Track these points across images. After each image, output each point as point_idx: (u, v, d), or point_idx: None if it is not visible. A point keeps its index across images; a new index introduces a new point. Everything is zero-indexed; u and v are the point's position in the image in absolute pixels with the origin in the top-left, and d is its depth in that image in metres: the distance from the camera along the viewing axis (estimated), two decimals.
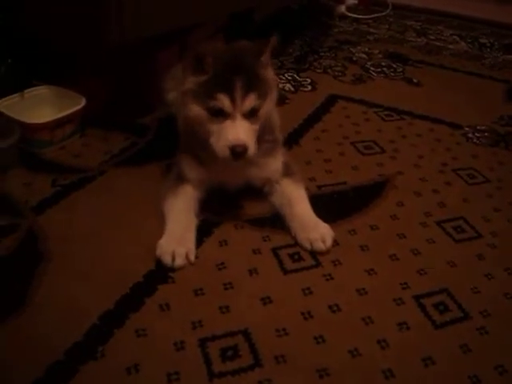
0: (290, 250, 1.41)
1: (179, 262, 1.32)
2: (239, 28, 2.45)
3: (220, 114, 1.32)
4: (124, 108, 1.94)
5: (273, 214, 1.53)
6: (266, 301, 1.26)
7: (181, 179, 1.50)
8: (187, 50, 1.36)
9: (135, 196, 1.56)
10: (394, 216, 1.58)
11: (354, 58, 2.72)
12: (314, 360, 1.13)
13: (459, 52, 2.97)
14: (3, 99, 1.74)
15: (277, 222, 1.50)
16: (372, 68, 2.61)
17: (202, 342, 1.14)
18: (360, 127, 2.06)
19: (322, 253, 1.40)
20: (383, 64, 2.67)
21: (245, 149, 1.31)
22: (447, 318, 1.26)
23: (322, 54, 2.75)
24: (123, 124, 1.92)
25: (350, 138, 1.97)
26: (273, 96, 1.42)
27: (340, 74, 2.52)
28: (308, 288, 1.30)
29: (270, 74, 1.42)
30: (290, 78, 2.42)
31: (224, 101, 1.30)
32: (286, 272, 1.35)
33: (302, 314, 1.23)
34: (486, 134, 2.08)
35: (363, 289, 1.32)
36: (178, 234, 1.37)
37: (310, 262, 1.38)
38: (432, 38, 3.18)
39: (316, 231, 1.42)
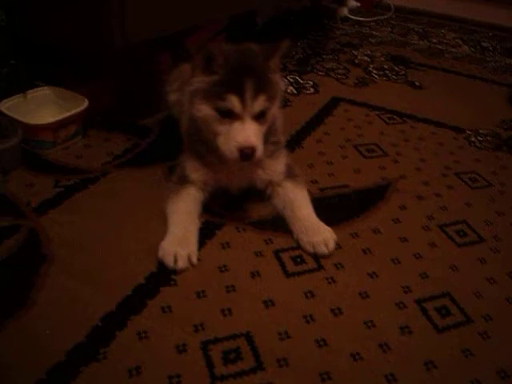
0: (293, 253, 1.41)
1: (181, 264, 1.31)
2: (241, 30, 2.46)
3: (229, 115, 1.32)
4: (126, 109, 1.95)
5: (275, 217, 1.52)
6: (269, 304, 1.25)
7: (184, 181, 1.49)
8: (196, 49, 1.35)
9: (138, 197, 1.56)
10: (396, 219, 1.58)
11: (357, 61, 2.73)
12: (316, 363, 1.13)
13: (462, 55, 2.97)
14: (6, 100, 1.74)
15: (279, 224, 1.50)
16: (374, 71, 2.62)
17: (204, 345, 1.14)
18: (362, 130, 2.06)
19: (324, 256, 1.40)
20: (386, 67, 2.68)
21: (253, 150, 1.31)
22: (449, 322, 1.26)
23: (325, 56, 2.75)
24: (125, 125, 1.92)
25: (353, 141, 1.97)
26: (279, 99, 1.42)
27: (343, 76, 2.53)
28: (310, 291, 1.30)
29: (277, 77, 1.42)
30: (292, 80, 2.42)
31: (234, 102, 1.30)
32: (288, 275, 1.34)
33: (304, 317, 1.23)
34: (488, 137, 2.09)
35: (365, 292, 1.31)
36: (180, 236, 1.37)
37: (312, 265, 1.38)
38: (434, 41, 3.19)
39: (319, 235, 1.42)
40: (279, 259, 1.39)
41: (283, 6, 2.99)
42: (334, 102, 2.27)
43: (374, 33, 3.23)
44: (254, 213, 1.54)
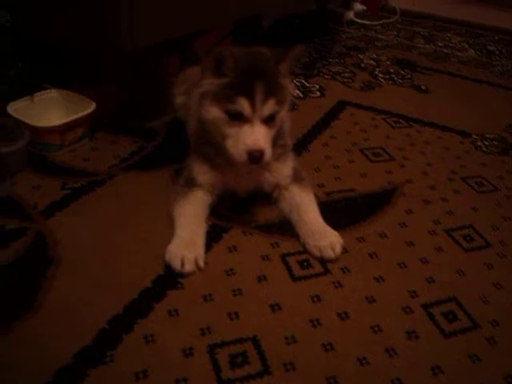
0: (299, 257, 1.41)
1: (188, 267, 1.31)
2: (247, 33, 2.46)
3: (238, 118, 1.32)
4: (133, 112, 1.95)
5: (281, 220, 1.52)
6: (275, 307, 1.25)
7: (191, 183, 1.50)
8: (205, 52, 1.35)
9: (144, 200, 1.56)
10: (402, 224, 1.58)
11: (363, 65, 2.73)
12: (323, 368, 1.13)
13: (468, 59, 2.97)
14: (13, 102, 1.75)
15: (286, 228, 1.50)
16: (380, 74, 2.62)
17: (211, 349, 1.14)
18: (369, 134, 2.06)
19: (331, 260, 1.40)
20: (391, 71, 2.68)
21: (262, 154, 1.31)
22: (456, 327, 1.26)
23: (331, 60, 2.75)
24: (132, 128, 1.92)
25: (359, 145, 1.97)
26: (288, 103, 1.43)
27: (349, 80, 2.53)
28: (317, 295, 1.30)
29: (287, 82, 1.42)
30: (298, 84, 2.42)
31: (244, 105, 1.30)
32: (294, 279, 1.34)
33: (311, 321, 1.23)
34: (494, 142, 2.08)
35: (372, 297, 1.31)
36: (187, 240, 1.37)
37: (318, 269, 1.38)
38: (440, 44, 3.19)
39: (325, 239, 1.42)
40: (286, 263, 1.39)
41: (289, 9, 2.99)
42: (340, 105, 2.27)
43: (380, 36, 3.23)
44: (260, 216, 1.54)
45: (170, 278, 1.31)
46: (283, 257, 1.41)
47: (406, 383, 1.11)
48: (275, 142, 1.42)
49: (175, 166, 1.68)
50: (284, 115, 1.42)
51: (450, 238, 1.54)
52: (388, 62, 2.80)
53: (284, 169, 1.52)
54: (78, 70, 1.93)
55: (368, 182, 1.76)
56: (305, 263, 1.39)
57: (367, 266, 1.41)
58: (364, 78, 2.57)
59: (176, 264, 1.31)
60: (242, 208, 1.56)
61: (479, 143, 2.07)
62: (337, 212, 1.59)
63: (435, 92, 2.49)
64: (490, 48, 3.20)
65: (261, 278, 1.33)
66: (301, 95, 2.33)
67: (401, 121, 2.18)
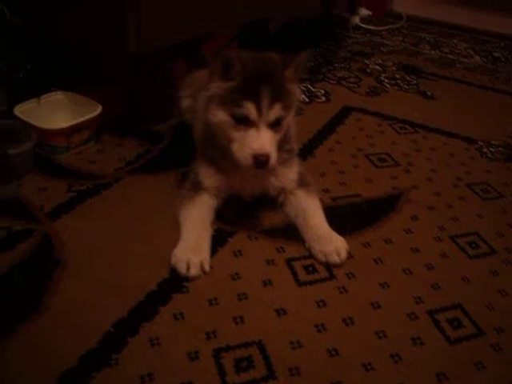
0: (305, 262, 1.41)
1: (194, 271, 1.31)
2: (254, 37, 2.47)
3: (244, 122, 1.33)
4: (139, 115, 1.95)
5: (287, 225, 1.53)
6: (281, 312, 1.25)
7: (197, 187, 1.50)
8: (212, 56, 1.36)
9: (150, 203, 1.57)
10: (407, 230, 1.58)
11: (368, 70, 2.73)
12: (328, 373, 1.13)
13: (473, 66, 2.97)
14: (20, 105, 1.75)
15: (291, 232, 1.50)
16: (386, 80, 2.62)
17: (216, 353, 1.14)
18: (374, 139, 2.06)
19: (336, 265, 1.40)
20: (397, 76, 2.68)
21: (267, 158, 1.32)
22: (461, 334, 1.25)
23: (336, 65, 2.75)
24: (138, 131, 1.92)
25: (364, 151, 1.97)
26: (295, 108, 1.44)
27: (354, 85, 2.53)
28: (322, 300, 1.30)
29: (294, 87, 1.42)
30: (304, 88, 2.42)
31: (250, 109, 1.31)
32: (300, 284, 1.35)
33: (316, 326, 1.23)
34: (500, 148, 2.08)
35: (377, 302, 1.31)
36: (193, 243, 1.37)
37: (324, 274, 1.38)
38: (446, 51, 3.19)
39: (331, 244, 1.42)
40: (291, 268, 1.39)
41: (296, 13, 2.99)
42: (346, 110, 2.27)
43: (386, 42, 3.23)
44: (266, 220, 1.54)
45: (176, 282, 1.31)
46: (288, 261, 1.41)
47: None
48: (281, 146, 1.43)
49: (181, 170, 1.68)
50: (290, 120, 1.42)
51: (455, 244, 1.54)
52: (394, 68, 2.80)
53: (290, 173, 1.53)
54: (84, 73, 1.93)
55: (373, 187, 1.76)
56: (310, 268, 1.39)
57: (372, 271, 1.41)
58: (369, 84, 2.57)
59: (182, 268, 1.31)
60: (247, 212, 1.56)
61: (485, 150, 2.07)
62: (342, 217, 1.59)
63: (441, 98, 2.49)
64: (495, 54, 3.20)
65: (266, 283, 1.33)
66: (306, 100, 2.33)
67: (406, 127, 2.18)
